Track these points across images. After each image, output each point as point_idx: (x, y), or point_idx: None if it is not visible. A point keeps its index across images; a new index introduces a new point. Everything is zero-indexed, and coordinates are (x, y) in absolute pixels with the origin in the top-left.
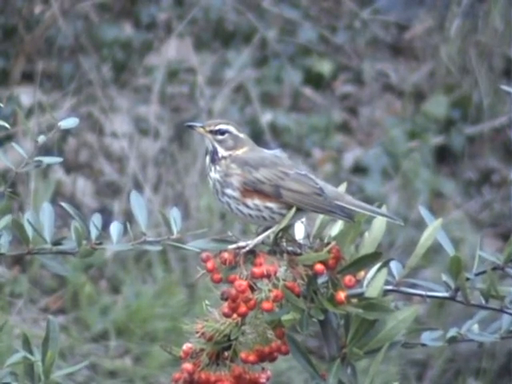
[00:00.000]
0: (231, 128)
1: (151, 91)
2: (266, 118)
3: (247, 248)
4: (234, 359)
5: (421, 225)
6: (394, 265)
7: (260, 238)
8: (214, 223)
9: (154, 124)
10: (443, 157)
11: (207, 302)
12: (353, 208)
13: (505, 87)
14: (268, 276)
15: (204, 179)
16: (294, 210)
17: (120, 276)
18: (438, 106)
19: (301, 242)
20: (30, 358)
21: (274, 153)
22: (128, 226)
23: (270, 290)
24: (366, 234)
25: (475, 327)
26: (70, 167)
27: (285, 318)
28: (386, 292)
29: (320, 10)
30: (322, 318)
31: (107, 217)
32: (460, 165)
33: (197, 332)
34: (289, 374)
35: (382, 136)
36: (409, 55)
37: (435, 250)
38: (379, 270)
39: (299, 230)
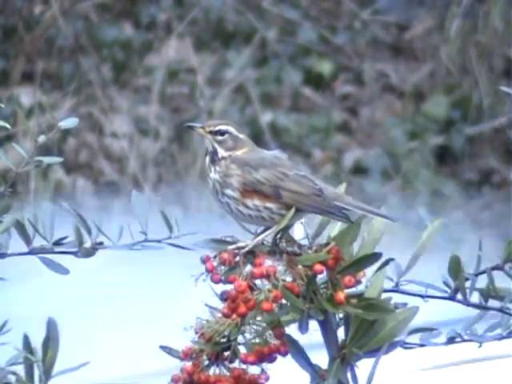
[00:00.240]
0: (231, 129)
1: (151, 91)
2: (266, 118)
3: (247, 248)
4: (233, 360)
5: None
6: (393, 265)
7: (259, 238)
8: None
9: (154, 124)
10: (443, 157)
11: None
12: (352, 209)
13: (505, 88)
14: (267, 276)
15: (204, 179)
16: (293, 210)
17: None
18: (437, 106)
19: (300, 242)
20: (31, 358)
21: (274, 153)
22: (128, 226)
23: (269, 291)
24: (366, 234)
25: (475, 328)
26: (70, 167)
27: (284, 318)
28: (385, 292)
29: (320, 10)
30: (321, 318)
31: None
32: (460, 165)
33: (196, 332)
34: None
35: (382, 136)
36: (409, 55)
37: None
38: (379, 270)
39: (298, 231)
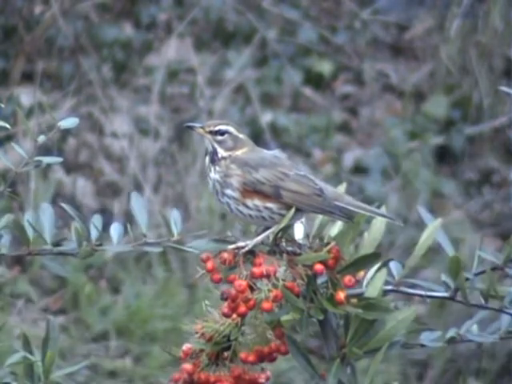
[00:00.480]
0: (231, 128)
1: (151, 91)
2: (266, 118)
3: (247, 248)
4: (233, 359)
5: (421, 225)
6: (393, 265)
7: (259, 238)
8: (215, 224)
9: (154, 124)
10: (443, 157)
11: (207, 302)
12: (352, 208)
13: (504, 88)
14: (267, 276)
15: (204, 180)
16: (293, 210)
17: (120, 276)
18: (437, 106)
19: (300, 242)
20: (30, 358)
21: (274, 153)
22: (128, 226)
23: (269, 290)
24: (366, 234)
25: (474, 327)
26: (70, 167)
27: (284, 318)
28: (385, 292)
29: (320, 10)
30: (321, 317)
31: (107, 217)
32: (460, 165)
33: (196, 332)
34: (289, 375)
35: (382, 136)
36: (409, 55)
37: (435, 250)
38: (379, 270)
39: (299, 230)
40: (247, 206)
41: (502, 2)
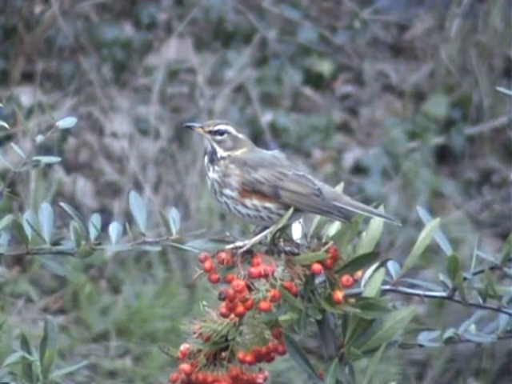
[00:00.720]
0: (230, 128)
1: (151, 91)
2: (266, 118)
3: (245, 248)
4: (231, 359)
5: (421, 225)
6: (391, 265)
7: (257, 237)
8: (214, 224)
9: (154, 124)
10: (443, 157)
11: (205, 302)
12: (350, 208)
13: (503, 90)
14: (265, 276)
15: (204, 179)
16: (291, 210)
17: (120, 276)
18: (437, 106)
19: (298, 241)
20: (29, 358)
21: (273, 153)
22: (127, 226)
23: (267, 290)
24: (364, 233)
25: (472, 327)
26: (70, 167)
27: (282, 318)
28: (383, 292)
29: (320, 10)
30: (319, 317)
31: (107, 217)
32: (460, 165)
33: (194, 332)
34: (287, 375)
35: (382, 136)
36: (409, 55)
37: (434, 249)
38: (377, 269)
39: (297, 230)
40: (246, 206)
41: (502, 1)
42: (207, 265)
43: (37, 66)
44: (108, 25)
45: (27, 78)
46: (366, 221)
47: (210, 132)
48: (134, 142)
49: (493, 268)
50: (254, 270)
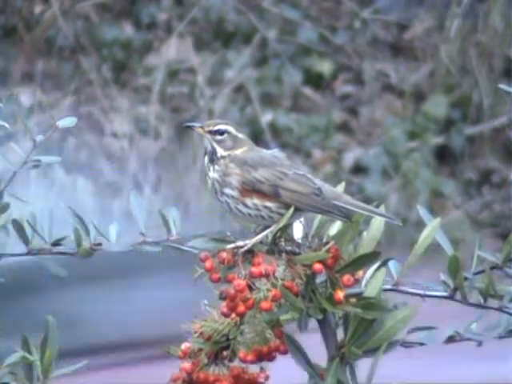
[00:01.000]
0: (230, 128)
1: (151, 91)
2: (266, 118)
3: (245, 247)
4: (232, 359)
5: (421, 225)
6: (392, 264)
7: (258, 237)
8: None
9: (154, 124)
10: (443, 157)
11: (206, 301)
12: (351, 208)
13: (504, 87)
14: (266, 275)
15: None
16: (292, 209)
17: None
18: (438, 106)
19: (299, 241)
20: (29, 358)
21: (273, 153)
22: (127, 226)
23: (268, 290)
24: (365, 233)
25: (474, 326)
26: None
27: (283, 317)
28: (384, 291)
29: (320, 10)
30: (320, 317)
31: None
32: (460, 165)
33: (195, 332)
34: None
35: (382, 136)
36: (409, 55)
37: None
38: (378, 269)
39: (297, 230)
40: (246, 205)
41: (502, 1)
42: (208, 264)
43: (37, 66)
44: (108, 25)
45: (27, 77)
46: (367, 220)
47: (210, 132)
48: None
49: (494, 268)
50: (254, 269)
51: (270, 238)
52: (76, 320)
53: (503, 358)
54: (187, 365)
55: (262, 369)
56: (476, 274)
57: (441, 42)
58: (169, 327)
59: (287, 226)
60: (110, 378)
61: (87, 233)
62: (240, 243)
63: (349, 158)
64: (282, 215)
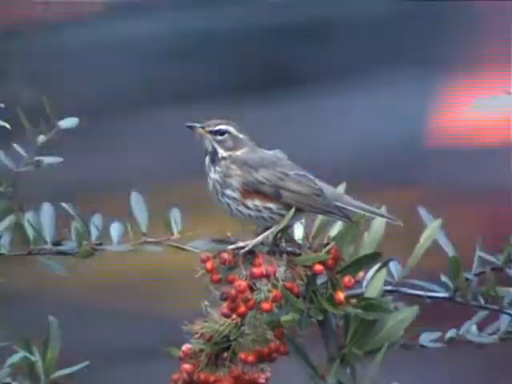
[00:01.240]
0: (231, 128)
1: None
2: None
3: (246, 248)
4: (233, 360)
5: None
6: (393, 265)
7: (259, 238)
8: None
9: None
10: None
11: (206, 302)
12: (352, 208)
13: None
14: (267, 276)
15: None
16: (293, 210)
17: None
18: None
19: (300, 242)
20: (31, 358)
21: (274, 153)
22: (128, 226)
23: (269, 291)
24: (366, 234)
25: (474, 328)
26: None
27: (284, 318)
28: (385, 292)
29: None
30: (321, 318)
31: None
32: None
33: (196, 332)
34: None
35: None
36: None
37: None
38: (379, 270)
39: (298, 231)
40: (247, 207)
41: None
42: (209, 265)
43: None
44: None
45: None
46: (368, 221)
47: (211, 132)
48: None
49: (494, 269)
50: (255, 270)
51: (270, 238)
52: None
53: None
54: (188, 365)
55: (262, 369)
56: (477, 275)
57: None
58: None
59: (288, 227)
60: None
61: (88, 232)
62: (241, 244)
63: None
64: (283, 216)
